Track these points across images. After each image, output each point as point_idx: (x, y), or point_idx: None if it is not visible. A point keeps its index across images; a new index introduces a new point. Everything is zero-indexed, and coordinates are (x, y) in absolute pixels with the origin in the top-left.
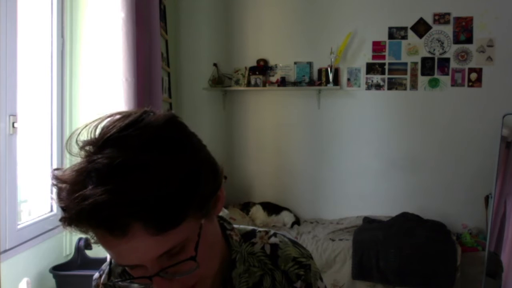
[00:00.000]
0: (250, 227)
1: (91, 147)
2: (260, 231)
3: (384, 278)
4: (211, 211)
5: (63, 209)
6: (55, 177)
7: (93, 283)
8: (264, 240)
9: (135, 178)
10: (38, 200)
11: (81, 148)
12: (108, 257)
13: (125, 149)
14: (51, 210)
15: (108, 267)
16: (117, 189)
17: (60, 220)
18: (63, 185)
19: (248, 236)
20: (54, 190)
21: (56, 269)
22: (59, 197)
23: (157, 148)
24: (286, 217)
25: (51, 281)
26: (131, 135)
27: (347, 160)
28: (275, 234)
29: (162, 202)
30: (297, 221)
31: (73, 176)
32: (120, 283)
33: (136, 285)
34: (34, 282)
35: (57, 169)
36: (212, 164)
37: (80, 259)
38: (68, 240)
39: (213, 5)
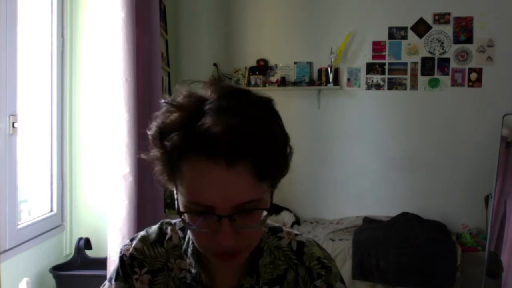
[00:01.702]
0: (277, 224)
1: (214, 93)
2: (286, 229)
3: (384, 278)
4: (275, 189)
5: (177, 133)
6: (171, 103)
7: (122, 249)
8: (291, 236)
9: (256, 125)
10: (38, 200)
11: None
12: (113, 252)
13: (246, 103)
14: (51, 210)
15: (140, 235)
16: (244, 128)
17: (166, 143)
18: (180, 113)
19: (275, 230)
20: (165, 115)
21: (56, 269)
22: (174, 121)
23: (269, 113)
24: (286, 217)
25: (51, 281)
26: (249, 96)
27: (347, 160)
28: (301, 234)
29: (272, 152)
30: (297, 221)
31: (191, 104)
32: (185, 214)
33: (197, 226)
34: (34, 282)
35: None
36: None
37: (80, 259)
38: (68, 240)
39: (213, 5)
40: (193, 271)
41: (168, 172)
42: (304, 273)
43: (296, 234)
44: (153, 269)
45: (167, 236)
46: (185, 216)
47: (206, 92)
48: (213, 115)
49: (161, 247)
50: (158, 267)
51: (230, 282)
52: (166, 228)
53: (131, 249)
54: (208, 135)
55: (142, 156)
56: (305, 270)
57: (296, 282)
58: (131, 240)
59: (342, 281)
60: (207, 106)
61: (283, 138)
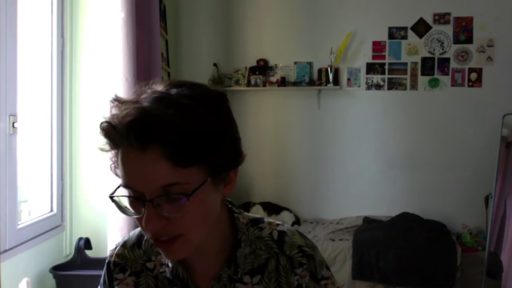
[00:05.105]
0: (258, 215)
1: (165, 86)
2: (268, 219)
3: (384, 278)
4: (220, 181)
5: (109, 121)
6: (115, 99)
7: (108, 255)
8: (272, 227)
9: (175, 111)
10: (38, 200)
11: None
12: (110, 250)
13: (183, 94)
14: (51, 210)
15: (123, 239)
16: (156, 112)
17: (102, 128)
18: (118, 104)
19: (256, 221)
20: (110, 108)
21: (56, 269)
22: (110, 113)
23: (206, 104)
24: (286, 217)
25: (51, 281)
26: (195, 89)
27: (347, 160)
28: (282, 224)
29: (185, 139)
30: (297, 221)
31: (130, 98)
32: (115, 198)
33: (129, 208)
34: (34, 282)
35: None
36: (238, 145)
37: (80, 259)
38: (68, 240)
39: (213, 5)
40: (170, 265)
41: (113, 161)
42: (285, 261)
43: (278, 224)
44: (136, 271)
45: (146, 237)
46: (119, 199)
47: (158, 87)
48: (142, 103)
49: (139, 249)
50: (139, 268)
51: (208, 274)
52: None
53: (114, 256)
54: (121, 121)
55: (99, 148)
56: (286, 259)
57: (277, 271)
58: (116, 244)
59: (327, 268)
60: (143, 96)
61: (214, 128)
